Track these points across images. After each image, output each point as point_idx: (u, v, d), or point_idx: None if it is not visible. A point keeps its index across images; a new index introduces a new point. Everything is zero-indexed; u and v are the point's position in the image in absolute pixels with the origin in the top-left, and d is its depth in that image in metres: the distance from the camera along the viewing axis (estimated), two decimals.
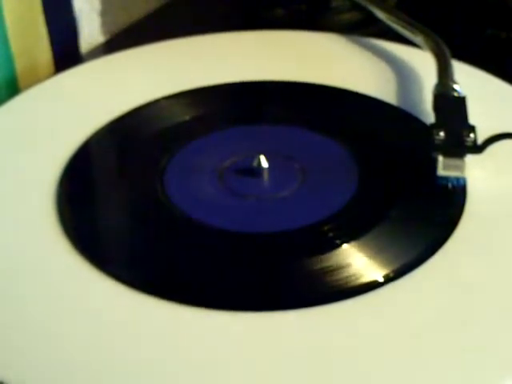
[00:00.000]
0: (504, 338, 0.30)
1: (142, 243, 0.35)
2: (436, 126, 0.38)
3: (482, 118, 0.38)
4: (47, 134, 0.41)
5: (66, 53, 0.51)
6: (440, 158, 0.36)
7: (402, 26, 0.47)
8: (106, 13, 0.55)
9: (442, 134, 0.37)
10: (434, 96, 0.40)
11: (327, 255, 0.33)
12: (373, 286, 0.32)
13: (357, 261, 0.33)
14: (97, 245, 0.35)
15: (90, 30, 0.54)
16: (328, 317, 0.31)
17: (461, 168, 0.36)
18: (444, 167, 0.36)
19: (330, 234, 0.35)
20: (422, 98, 0.43)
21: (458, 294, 0.32)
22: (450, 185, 0.36)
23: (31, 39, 0.49)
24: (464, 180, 0.37)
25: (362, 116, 0.42)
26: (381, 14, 0.48)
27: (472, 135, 0.37)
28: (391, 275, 0.32)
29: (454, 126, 0.38)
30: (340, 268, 0.33)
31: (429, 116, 0.40)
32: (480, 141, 0.37)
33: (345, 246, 0.34)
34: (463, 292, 0.32)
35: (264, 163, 0.38)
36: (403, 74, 0.45)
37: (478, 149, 0.37)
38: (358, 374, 0.29)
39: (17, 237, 0.35)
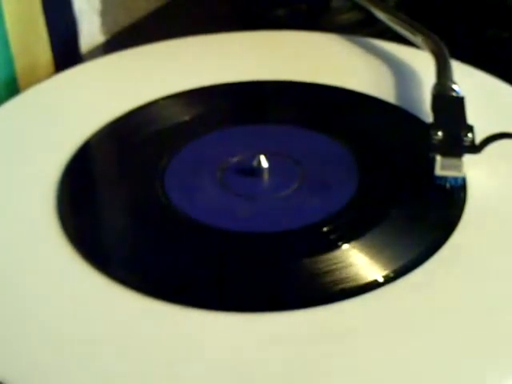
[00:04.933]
0: (504, 339, 0.30)
1: (141, 243, 0.35)
2: (434, 126, 0.38)
3: (481, 118, 0.38)
4: (47, 134, 0.41)
5: (66, 53, 0.51)
6: (438, 158, 0.36)
7: (402, 26, 0.47)
8: (106, 13, 0.55)
9: (440, 133, 0.37)
10: (433, 96, 0.40)
11: (327, 255, 0.33)
12: (373, 286, 0.32)
13: (357, 261, 0.33)
14: (97, 245, 0.35)
15: (90, 30, 0.54)
16: (328, 317, 0.31)
17: (459, 168, 0.36)
18: (442, 167, 0.36)
19: (330, 234, 0.35)
20: (421, 98, 0.43)
21: (457, 294, 0.32)
22: (447, 185, 0.36)
23: (31, 39, 0.49)
24: (462, 180, 0.37)
25: (362, 116, 0.42)
26: (381, 14, 0.48)
27: (470, 135, 0.37)
28: (391, 275, 0.33)
29: (452, 126, 0.38)
30: (340, 268, 0.33)
31: (428, 116, 0.40)
32: (478, 141, 0.37)
33: (345, 246, 0.34)
34: (463, 292, 0.32)
35: (264, 163, 0.38)
36: (403, 74, 0.45)
37: (476, 149, 0.37)
38: (357, 374, 0.29)
39: (17, 237, 0.35)
